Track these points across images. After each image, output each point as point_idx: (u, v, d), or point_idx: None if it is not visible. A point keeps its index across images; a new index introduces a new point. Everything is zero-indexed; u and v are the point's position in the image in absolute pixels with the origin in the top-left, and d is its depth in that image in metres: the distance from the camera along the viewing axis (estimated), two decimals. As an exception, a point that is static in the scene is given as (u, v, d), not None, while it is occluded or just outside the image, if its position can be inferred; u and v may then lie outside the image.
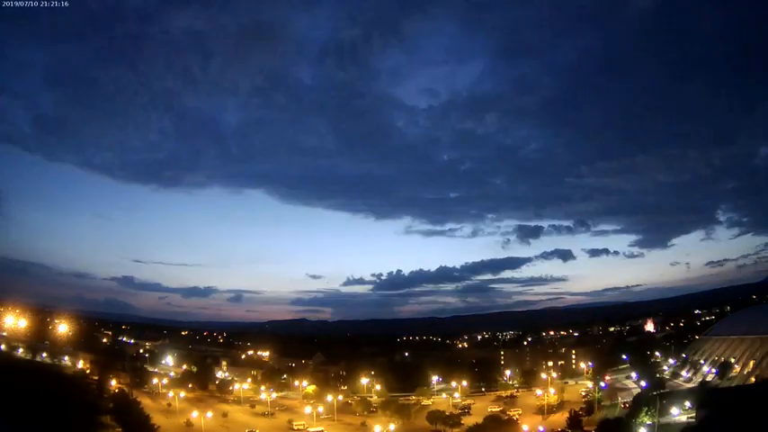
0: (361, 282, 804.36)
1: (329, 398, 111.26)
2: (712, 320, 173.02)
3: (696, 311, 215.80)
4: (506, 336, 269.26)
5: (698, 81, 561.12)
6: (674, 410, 74.76)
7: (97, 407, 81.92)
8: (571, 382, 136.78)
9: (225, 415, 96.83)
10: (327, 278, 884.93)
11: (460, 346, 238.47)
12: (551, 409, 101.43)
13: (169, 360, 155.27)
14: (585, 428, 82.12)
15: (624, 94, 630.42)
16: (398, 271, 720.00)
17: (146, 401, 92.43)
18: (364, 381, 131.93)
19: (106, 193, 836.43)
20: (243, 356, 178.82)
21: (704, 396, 64.65)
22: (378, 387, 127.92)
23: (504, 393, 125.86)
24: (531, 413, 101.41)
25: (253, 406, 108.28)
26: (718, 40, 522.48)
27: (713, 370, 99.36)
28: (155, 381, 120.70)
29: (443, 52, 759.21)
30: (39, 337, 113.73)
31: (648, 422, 69.72)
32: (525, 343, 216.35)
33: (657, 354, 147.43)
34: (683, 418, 70.35)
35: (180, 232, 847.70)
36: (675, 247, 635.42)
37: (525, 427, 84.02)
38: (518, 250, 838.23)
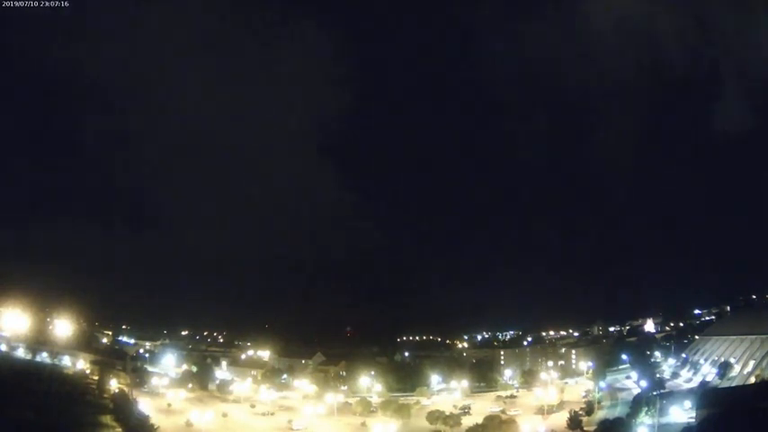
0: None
1: (329, 398, 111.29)
2: (712, 320, 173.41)
3: (696, 311, 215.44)
4: (506, 336, 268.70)
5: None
6: (674, 410, 74.89)
7: (97, 407, 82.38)
8: (571, 382, 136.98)
9: (225, 415, 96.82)
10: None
11: (460, 346, 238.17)
12: (551, 409, 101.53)
13: (169, 360, 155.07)
14: (585, 428, 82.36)
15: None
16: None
17: (146, 401, 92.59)
18: (364, 381, 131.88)
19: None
20: (243, 356, 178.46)
21: (704, 396, 64.74)
22: (378, 387, 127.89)
23: (504, 393, 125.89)
24: (531, 413, 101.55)
25: (253, 406, 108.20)
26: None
27: (713, 370, 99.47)
28: (155, 381, 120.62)
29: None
30: (39, 337, 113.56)
31: (648, 422, 69.87)
32: (525, 343, 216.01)
33: (657, 354, 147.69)
34: (683, 418, 70.45)
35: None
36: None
37: (525, 426, 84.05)
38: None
